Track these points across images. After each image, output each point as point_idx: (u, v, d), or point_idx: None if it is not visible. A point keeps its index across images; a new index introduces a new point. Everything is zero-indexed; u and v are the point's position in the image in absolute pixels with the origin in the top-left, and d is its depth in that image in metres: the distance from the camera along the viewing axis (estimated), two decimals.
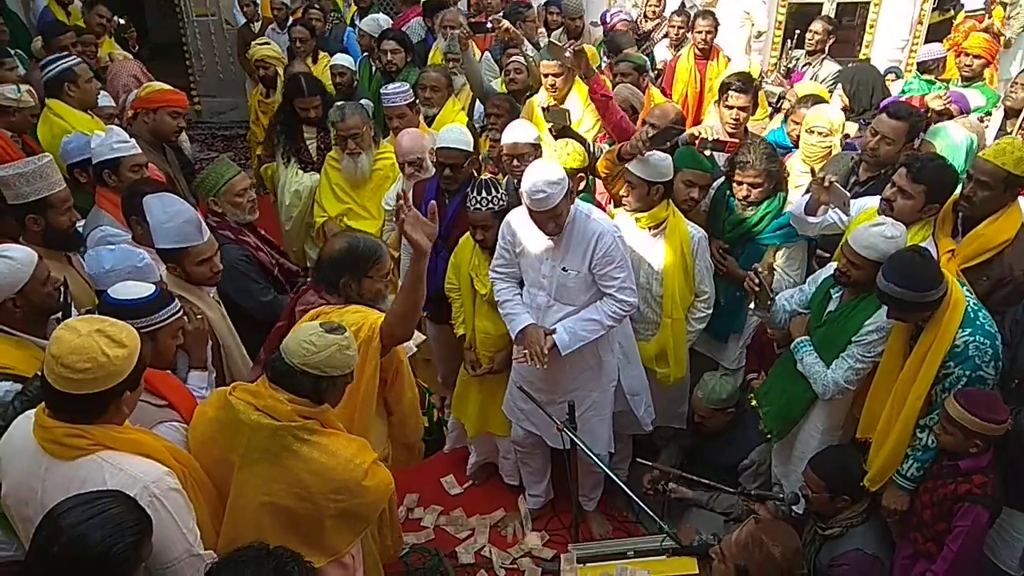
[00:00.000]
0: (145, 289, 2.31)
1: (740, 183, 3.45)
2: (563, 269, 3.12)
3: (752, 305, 3.25)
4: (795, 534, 2.41)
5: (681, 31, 6.09)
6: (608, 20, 6.55)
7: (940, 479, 2.69)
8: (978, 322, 2.64)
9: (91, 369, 1.79)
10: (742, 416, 3.53)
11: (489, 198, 3.30)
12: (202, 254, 2.78)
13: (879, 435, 2.83)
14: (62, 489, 1.78)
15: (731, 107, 4.01)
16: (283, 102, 4.84)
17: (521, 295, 3.26)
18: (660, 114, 3.89)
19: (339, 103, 4.31)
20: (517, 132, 3.69)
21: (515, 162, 3.71)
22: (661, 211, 3.42)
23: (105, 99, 4.55)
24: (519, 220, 3.14)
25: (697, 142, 3.67)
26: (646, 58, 5.11)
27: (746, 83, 4.06)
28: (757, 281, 3.09)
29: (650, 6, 6.97)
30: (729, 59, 5.78)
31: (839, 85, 4.83)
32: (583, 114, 4.41)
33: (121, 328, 1.87)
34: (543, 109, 3.66)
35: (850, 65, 5.05)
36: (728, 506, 3.50)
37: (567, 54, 4.08)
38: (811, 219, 3.22)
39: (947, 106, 4.19)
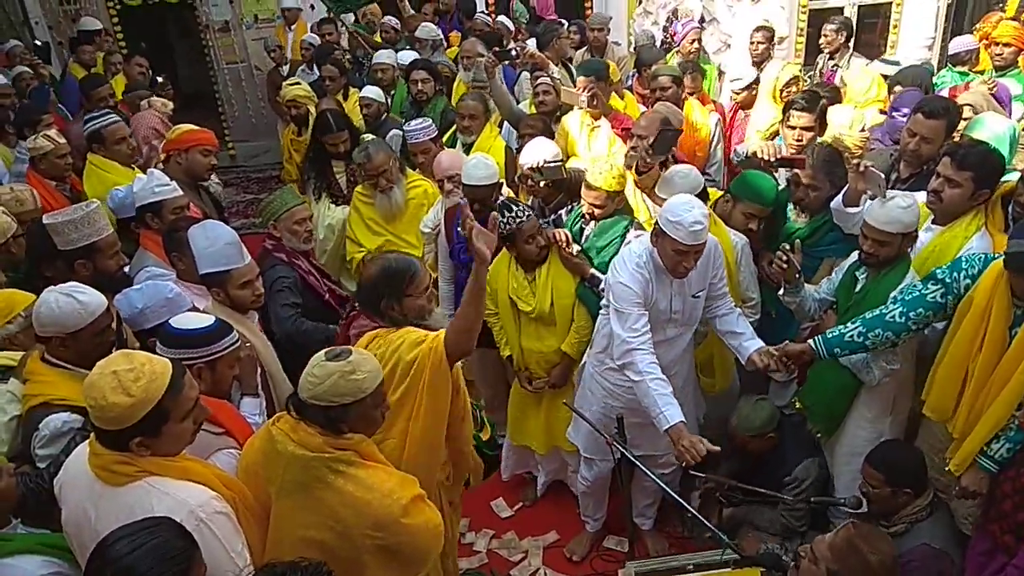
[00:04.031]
0: (205, 320, 2.34)
1: (797, 184, 3.40)
2: (693, 296, 3.06)
3: (781, 291, 3.22)
4: (892, 542, 2.29)
5: (763, 47, 5.72)
6: (680, 30, 6.47)
7: (1023, 467, 2.58)
8: None
9: (94, 408, 1.80)
10: (784, 435, 3.41)
11: (518, 210, 3.31)
12: (244, 276, 2.82)
13: (971, 416, 2.72)
14: (112, 514, 1.79)
15: (793, 127, 3.89)
16: (312, 139, 4.96)
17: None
18: (645, 124, 3.86)
19: (360, 145, 4.33)
20: (537, 151, 3.70)
21: (531, 181, 3.72)
22: None
23: None
24: (645, 276, 2.97)
25: (762, 162, 3.62)
26: (679, 70, 5.09)
27: (811, 101, 3.90)
28: (784, 259, 3.07)
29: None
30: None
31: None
32: (612, 136, 4.45)
33: (139, 376, 1.81)
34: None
35: (903, 68, 4.99)
36: (767, 520, 3.40)
37: (582, 99, 4.12)
38: (851, 210, 3.17)
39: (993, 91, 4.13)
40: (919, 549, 2.74)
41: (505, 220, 3.30)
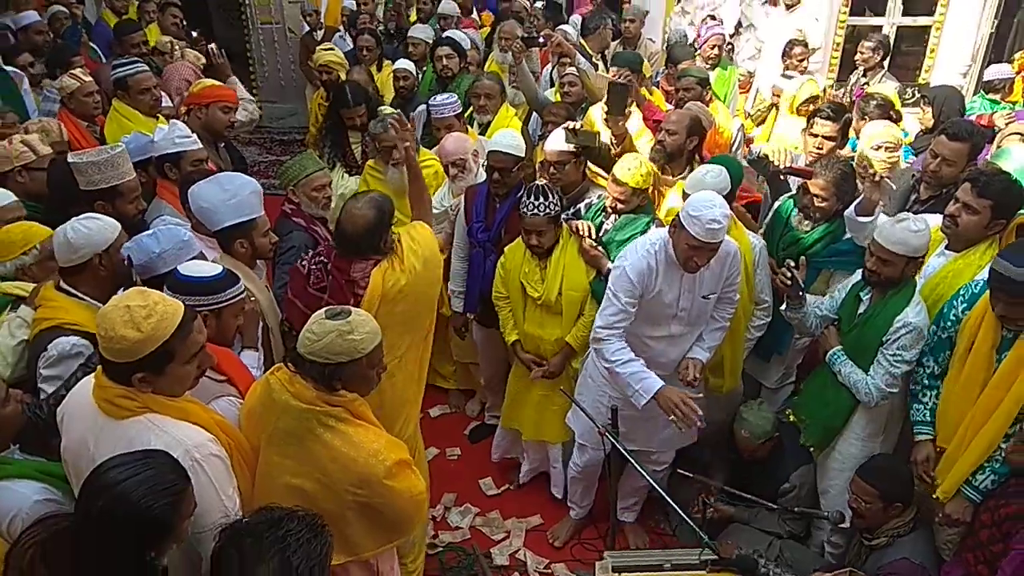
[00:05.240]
0: (213, 268, 2.38)
1: (807, 192, 3.41)
2: (703, 297, 3.06)
3: (783, 306, 3.23)
4: None
5: (801, 61, 5.88)
6: (702, 35, 6.48)
7: (1004, 498, 2.60)
8: None
9: (104, 338, 1.85)
10: (780, 440, 3.46)
11: (545, 203, 3.28)
12: (267, 224, 2.89)
13: (957, 444, 2.76)
14: (111, 445, 1.84)
15: (816, 135, 3.92)
16: (330, 108, 4.98)
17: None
18: (675, 119, 3.88)
19: (378, 116, 4.30)
20: (559, 140, 3.68)
21: (552, 169, 3.72)
22: None
23: (164, 100, 4.67)
24: (650, 265, 2.98)
25: (771, 166, 3.60)
26: (707, 72, 5.08)
27: (837, 112, 3.94)
28: (789, 275, 3.08)
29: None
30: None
31: (919, 103, 4.73)
32: (642, 128, 4.45)
33: (151, 313, 1.85)
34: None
35: (933, 86, 4.97)
36: (767, 523, 3.43)
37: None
38: (863, 219, 3.17)
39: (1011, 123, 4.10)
40: (900, 562, 2.78)
41: (526, 203, 3.32)
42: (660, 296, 3.03)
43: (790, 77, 5.40)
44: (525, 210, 3.32)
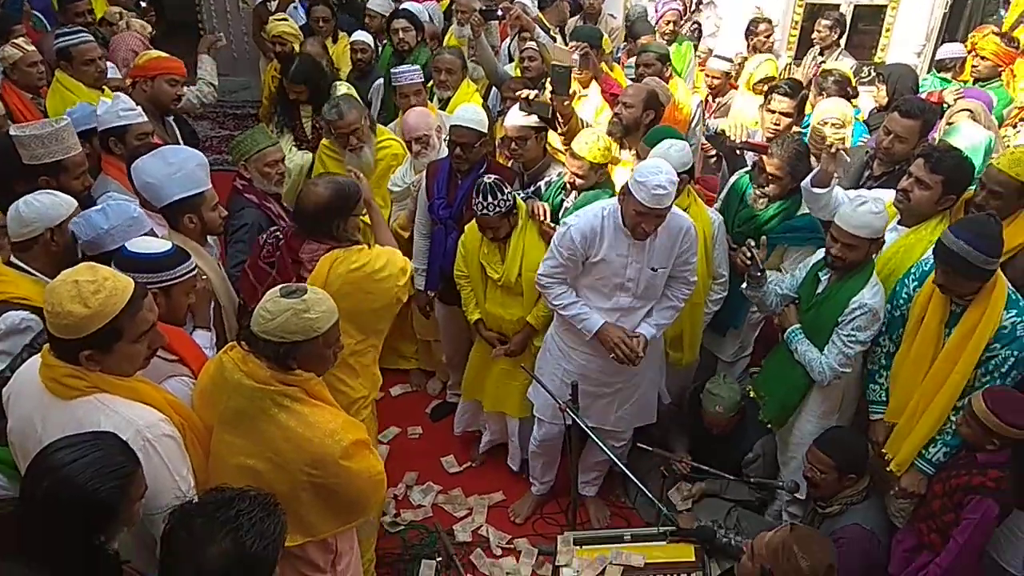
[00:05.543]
0: (162, 244, 2.31)
1: (762, 170, 3.44)
2: (651, 269, 3.06)
3: (744, 285, 3.27)
4: (832, 549, 2.32)
5: (766, 40, 5.98)
6: (658, 10, 6.45)
7: (955, 469, 2.68)
8: (1021, 303, 2.66)
9: (51, 314, 1.81)
10: (745, 411, 3.54)
11: (495, 202, 3.23)
12: (215, 197, 2.81)
13: (908, 417, 2.83)
14: (59, 427, 1.79)
15: (773, 111, 3.96)
16: (281, 81, 4.88)
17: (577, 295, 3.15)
18: (632, 93, 3.89)
19: (331, 101, 4.11)
20: (518, 115, 3.65)
21: (514, 145, 3.70)
22: (684, 199, 3.38)
23: (112, 71, 4.53)
24: (595, 227, 3.00)
25: (728, 141, 3.61)
26: (668, 48, 5.08)
27: (794, 89, 3.99)
28: (749, 255, 3.12)
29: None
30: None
31: (874, 81, 4.81)
32: (603, 104, 4.44)
33: (99, 289, 1.80)
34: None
35: (888, 64, 5.04)
36: (741, 494, 3.54)
37: (574, 57, 4.12)
38: (818, 191, 3.20)
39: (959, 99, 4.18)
40: (851, 528, 2.86)
41: (476, 202, 3.26)
42: (607, 263, 3.04)
43: (727, 60, 5.46)
44: (476, 208, 3.29)
